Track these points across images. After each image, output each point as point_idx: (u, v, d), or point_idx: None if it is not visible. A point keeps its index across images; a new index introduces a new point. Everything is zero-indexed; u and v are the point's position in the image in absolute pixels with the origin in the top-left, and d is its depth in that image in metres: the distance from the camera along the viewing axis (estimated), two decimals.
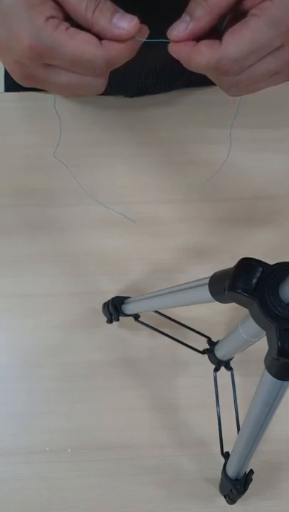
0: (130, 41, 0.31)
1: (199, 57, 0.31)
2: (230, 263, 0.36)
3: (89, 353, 0.59)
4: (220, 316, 0.60)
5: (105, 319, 0.60)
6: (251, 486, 0.49)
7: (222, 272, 0.37)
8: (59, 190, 0.67)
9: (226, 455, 0.51)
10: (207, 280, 0.39)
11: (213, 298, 0.38)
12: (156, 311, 0.57)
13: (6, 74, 0.80)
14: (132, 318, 0.57)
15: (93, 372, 0.58)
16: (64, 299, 0.61)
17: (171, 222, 0.66)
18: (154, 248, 0.64)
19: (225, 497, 0.52)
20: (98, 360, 0.59)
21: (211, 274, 0.39)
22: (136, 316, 0.57)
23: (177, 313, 0.59)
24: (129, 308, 0.56)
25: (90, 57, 0.30)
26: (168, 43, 0.32)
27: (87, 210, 0.66)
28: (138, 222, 0.65)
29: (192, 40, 0.31)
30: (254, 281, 0.34)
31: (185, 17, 0.31)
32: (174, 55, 0.33)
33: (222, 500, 0.53)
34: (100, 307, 0.61)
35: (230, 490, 0.49)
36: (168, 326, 0.58)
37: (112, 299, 0.58)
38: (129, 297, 0.58)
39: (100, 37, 0.30)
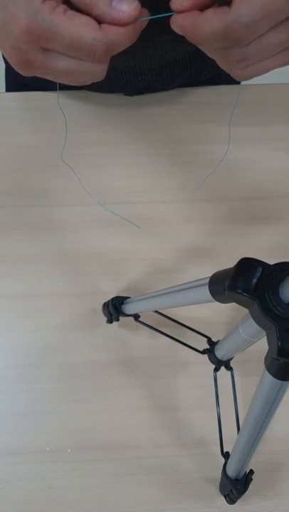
0: (131, 25, 0.30)
1: (206, 24, 0.29)
2: (230, 263, 0.36)
3: (89, 353, 0.59)
4: (220, 316, 0.60)
5: (105, 319, 0.60)
6: (251, 486, 0.49)
7: (222, 272, 0.37)
8: (59, 190, 0.67)
9: (226, 455, 0.51)
10: (207, 280, 0.39)
11: (213, 298, 0.38)
12: (156, 311, 0.57)
13: (7, 74, 0.80)
14: (132, 318, 0.57)
15: (93, 372, 0.58)
16: (64, 299, 0.61)
17: (171, 222, 0.66)
18: (154, 248, 0.64)
19: (225, 497, 0.52)
20: (98, 360, 0.59)
21: (211, 274, 0.39)
22: (136, 316, 0.57)
23: (177, 313, 0.59)
24: (129, 308, 0.56)
25: (88, 41, 0.29)
26: (171, 15, 0.30)
27: (87, 210, 0.66)
28: (138, 222, 0.65)
29: (197, 10, 0.30)
30: (254, 281, 0.34)
31: None
32: (177, 29, 0.31)
33: (222, 500, 0.53)
34: (100, 307, 0.61)
35: (230, 490, 0.49)
36: (168, 326, 0.58)
37: (112, 299, 0.58)
38: (129, 297, 0.58)
39: (99, 21, 0.29)
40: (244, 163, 0.69)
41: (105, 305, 0.59)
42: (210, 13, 0.29)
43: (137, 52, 0.59)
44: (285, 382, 0.36)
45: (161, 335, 0.57)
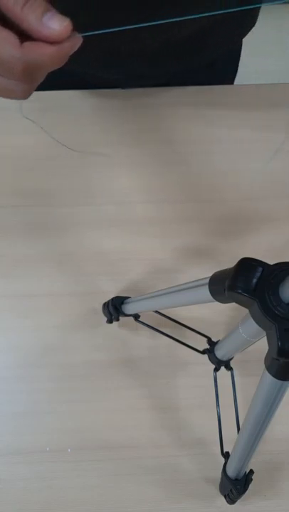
0: (56, 47, 0.28)
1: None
2: (230, 263, 0.36)
3: (89, 353, 0.59)
4: (220, 316, 0.60)
5: (105, 319, 0.60)
6: (251, 486, 0.49)
7: (222, 272, 0.37)
8: (59, 190, 0.67)
9: (226, 455, 0.51)
10: (207, 280, 0.39)
11: (213, 298, 0.38)
12: (156, 311, 0.57)
13: None
14: (132, 318, 0.57)
15: (93, 372, 0.58)
16: (64, 299, 0.61)
17: (171, 222, 0.66)
18: (154, 248, 0.64)
19: (225, 497, 0.52)
20: (98, 360, 0.59)
21: (211, 274, 0.39)
22: (136, 316, 0.57)
23: (177, 313, 0.59)
24: (129, 308, 0.56)
25: (5, 57, 0.27)
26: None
27: (87, 210, 0.66)
28: (138, 222, 0.65)
29: None
30: (254, 281, 0.34)
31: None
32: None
33: (222, 500, 0.53)
34: (100, 307, 0.61)
35: (230, 490, 0.49)
36: (168, 326, 0.58)
37: (112, 299, 0.58)
38: (129, 297, 0.58)
39: (27, 35, 0.27)
40: (244, 164, 0.69)
41: (105, 305, 0.59)
42: None
43: (129, 35, 0.58)
44: (285, 382, 0.36)
45: (161, 335, 0.57)
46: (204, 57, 0.70)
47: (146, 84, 0.73)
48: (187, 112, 0.71)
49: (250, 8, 0.66)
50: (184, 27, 0.60)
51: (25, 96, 0.30)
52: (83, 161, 0.68)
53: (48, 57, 0.28)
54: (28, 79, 0.29)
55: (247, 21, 0.69)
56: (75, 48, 0.28)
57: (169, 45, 0.63)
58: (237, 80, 0.83)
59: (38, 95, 0.71)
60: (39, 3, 0.27)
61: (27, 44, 0.27)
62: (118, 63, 0.66)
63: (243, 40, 0.75)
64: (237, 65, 0.82)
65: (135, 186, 0.67)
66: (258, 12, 0.69)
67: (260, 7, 0.67)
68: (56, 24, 0.27)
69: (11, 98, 0.30)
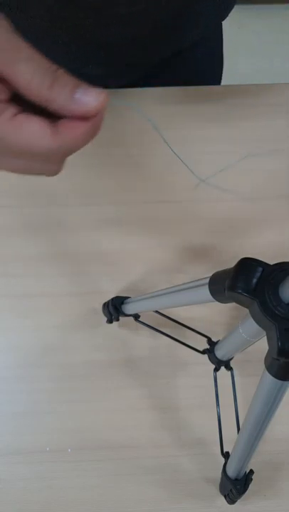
0: (90, 124, 0.26)
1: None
2: (230, 263, 0.36)
3: (89, 353, 0.59)
4: (220, 316, 0.60)
5: (105, 319, 0.60)
6: (251, 486, 0.49)
7: (222, 272, 0.37)
8: (59, 190, 0.67)
9: (226, 455, 0.51)
10: (207, 280, 0.39)
11: (213, 298, 0.38)
12: (156, 311, 0.57)
13: None
14: (132, 318, 0.57)
15: (93, 372, 0.58)
16: (64, 299, 0.61)
17: (170, 222, 0.66)
18: (154, 248, 0.64)
19: (225, 497, 0.52)
20: (98, 360, 0.59)
21: (211, 274, 0.39)
22: (136, 316, 0.57)
23: (177, 313, 0.59)
24: (129, 308, 0.56)
25: (42, 151, 0.26)
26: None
27: (87, 210, 0.66)
28: (138, 222, 0.65)
29: None
30: (254, 281, 0.34)
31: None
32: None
33: (222, 500, 0.53)
34: (100, 307, 0.61)
35: (230, 490, 0.49)
36: (168, 326, 0.58)
37: (112, 299, 0.58)
38: (129, 297, 0.58)
39: (59, 114, 0.26)
40: (244, 164, 0.69)
41: (105, 305, 0.59)
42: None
43: (113, 21, 0.56)
44: (285, 382, 0.36)
45: (161, 335, 0.57)
46: (182, 39, 0.69)
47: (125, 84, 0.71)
48: (190, 111, 0.71)
49: None
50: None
51: (58, 172, 0.30)
52: (83, 161, 0.68)
53: (86, 135, 0.27)
54: (63, 161, 0.29)
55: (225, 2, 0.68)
56: (104, 109, 0.26)
57: (155, 28, 0.60)
58: (240, 80, 0.83)
59: None
60: (67, 80, 0.25)
61: (62, 130, 0.26)
62: (104, 52, 0.62)
63: (245, 40, 0.75)
64: (221, 67, 0.82)
65: (135, 186, 0.67)
66: None
67: None
68: (92, 99, 0.25)
69: (44, 175, 0.30)
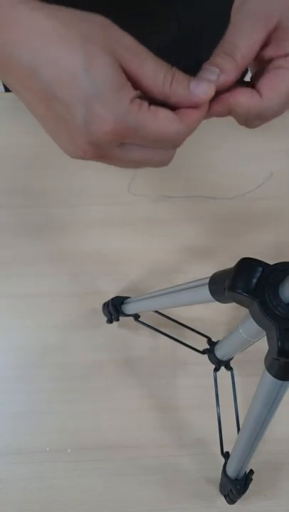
0: (201, 109, 0.30)
1: (240, 108, 0.32)
2: (230, 263, 0.36)
3: (89, 353, 0.59)
4: (220, 316, 0.60)
5: (105, 319, 0.60)
6: (251, 486, 0.49)
7: (222, 272, 0.37)
8: (59, 190, 0.67)
9: (226, 455, 0.51)
10: (207, 280, 0.39)
11: (213, 298, 0.38)
12: (156, 311, 0.57)
13: None
14: (132, 318, 0.57)
15: (93, 372, 0.58)
16: (64, 299, 0.61)
17: (170, 222, 0.66)
18: (154, 248, 0.64)
19: (225, 497, 0.52)
20: (98, 360, 0.59)
21: (211, 274, 0.39)
22: (136, 316, 0.57)
23: (177, 313, 0.59)
24: (129, 308, 0.56)
25: (173, 135, 0.29)
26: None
27: (87, 210, 0.66)
28: (138, 222, 0.65)
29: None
30: (254, 281, 0.34)
31: (213, 71, 0.31)
32: (208, 115, 0.32)
33: (222, 500, 0.53)
34: (100, 307, 0.61)
35: (230, 490, 0.49)
36: (168, 326, 0.58)
37: (112, 299, 0.58)
38: (129, 297, 0.58)
39: (176, 106, 0.30)
40: (244, 164, 0.69)
41: (105, 305, 0.59)
42: (242, 97, 0.31)
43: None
44: (285, 382, 0.36)
45: (161, 335, 0.57)
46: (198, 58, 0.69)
47: None
48: None
49: None
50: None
51: (170, 161, 0.33)
52: (83, 162, 0.68)
53: (201, 117, 0.31)
54: (176, 148, 0.32)
55: None
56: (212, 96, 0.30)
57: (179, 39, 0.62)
58: None
59: None
60: (182, 76, 0.29)
61: (184, 115, 0.30)
62: None
63: None
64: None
65: (135, 186, 0.67)
66: None
67: None
68: (204, 88, 0.29)
69: (156, 167, 0.33)
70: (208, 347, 0.54)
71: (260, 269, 0.34)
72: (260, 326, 0.35)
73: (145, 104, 0.29)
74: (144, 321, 0.57)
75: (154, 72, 0.29)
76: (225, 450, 0.52)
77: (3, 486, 0.54)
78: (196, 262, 0.63)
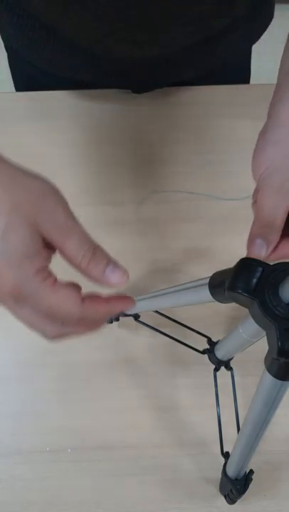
0: (109, 307, 0.34)
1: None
2: (230, 263, 0.36)
3: (89, 352, 0.59)
4: (220, 316, 0.60)
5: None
6: (251, 486, 0.49)
7: (222, 271, 0.37)
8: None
9: (226, 455, 0.51)
10: (207, 280, 0.39)
11: (213, 298, 0.38)
12: (156, 311, 0.57)
13: (14, 74, 0.80)
14: (132, 318, 0.57)
15: (93, 372, 0.58)
16: None
17: (171, 222, 0.66)
18: (154, 248, 0.64)
19: (225, 497, 0.52)
20: (98, 360, 0.59)
21: (211, 274, 0.39)
22: (136, 316, 0.57)
23: (177, 313, 0.59)
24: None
25: (65, 314, 0.32)
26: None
27: (87, 210, 0.66)
28: (138, 222, 0.65)
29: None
30: (254, 281, 0.34)
31: (261, 243, 0.38)
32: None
33: (222, 500, 0.53)
34: None
35: (230, 490, 0.49)
36: (168, 326, 0.58)
37: None
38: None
39: (92, 281, 0.33)
40: (243, 164, 0.69)
41: None
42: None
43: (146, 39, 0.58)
44: (285, 382, 0.36)
45: (161, 335, 0.57)
46: (212, 64, 0.70)
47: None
48: (190, 110, 0.71)
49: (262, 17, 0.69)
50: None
51: (53, 338, 0.35)
52: (82, 161, 0.68)
53: (102, 314, 0.34)
54: (78, 327, 0.35)
55: (257, 29, 0.70)
56: (127, 309, 0.35)
57: (188, 47, 0.62)
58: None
59: (36, 95, 0.71)
60: (101, 258, 0.33)
61: (87, 301, 0.33)
62: (127, 70, 0.66)
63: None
64: (249, 68, 0.83)
65: (135, 186, 0.67)
66: (270, 21, 0.70)
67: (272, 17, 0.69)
68: (118, 276, 0.33)
69: (43, 336, 0.35)
70: (208, 347, 0.54)
71: (260, 269, 0.34)
72: (260, 326, 0.35)
73: (51, 278, 0.32)
74: (144, 321, 0.57)
75: (76, 249, 0.33)
76: (225, 450, 0.52)
77: (3, 486, 0.54)
78: (196, 262, 0.63)
